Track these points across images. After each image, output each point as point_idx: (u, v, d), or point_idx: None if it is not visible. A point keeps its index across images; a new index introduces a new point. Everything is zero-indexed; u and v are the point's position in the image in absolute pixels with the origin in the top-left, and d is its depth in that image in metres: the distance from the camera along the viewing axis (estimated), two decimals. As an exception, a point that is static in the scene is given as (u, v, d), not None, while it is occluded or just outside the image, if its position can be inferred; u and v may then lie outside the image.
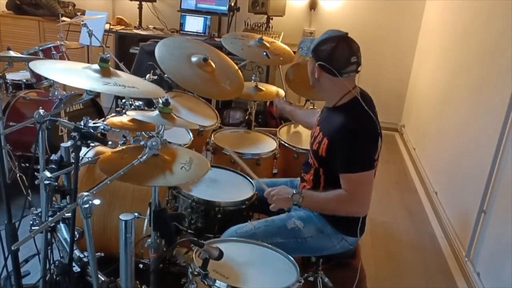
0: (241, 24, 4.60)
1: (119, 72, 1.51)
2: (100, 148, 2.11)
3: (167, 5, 4.92)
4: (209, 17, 4.60)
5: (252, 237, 1.67)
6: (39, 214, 1.63)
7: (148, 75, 2.28)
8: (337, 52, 1.66)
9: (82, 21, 3.41)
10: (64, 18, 3.67)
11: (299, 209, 1.88)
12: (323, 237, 1.78)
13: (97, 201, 1.20)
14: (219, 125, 2.69)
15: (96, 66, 1.43)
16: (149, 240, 1.53)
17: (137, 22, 4.74)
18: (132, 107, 2.12)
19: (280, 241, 1.70)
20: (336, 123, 1.69)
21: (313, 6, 4.73)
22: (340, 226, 1.78)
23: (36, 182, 1.56)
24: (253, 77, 2.89)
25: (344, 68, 1.66)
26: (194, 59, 2.22)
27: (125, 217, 1.31)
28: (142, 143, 1.68)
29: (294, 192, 1.71)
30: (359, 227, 1.82)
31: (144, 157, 1.34)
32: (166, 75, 2.23)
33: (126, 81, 1.44)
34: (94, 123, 1.76)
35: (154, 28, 4.78)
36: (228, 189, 1.97)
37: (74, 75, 1.40)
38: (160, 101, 1.52)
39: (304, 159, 1.98)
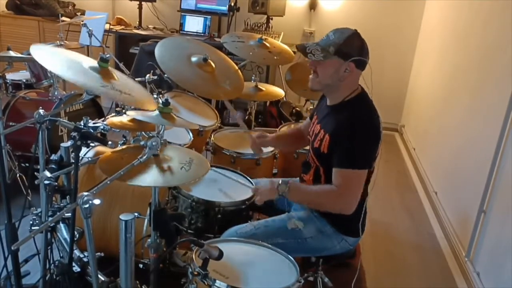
0: (241, 24, 4.60)
1: (117, 73, 1.50)
2: (100, 148, 2.11)
3: (167, 5, 4.92)
4: (209, 17, 4.60)
5: (252, 238, 1.67)
6: (39, 214, 1.62)
7: (148, 75, 2.28)
8: (365, 46, 1.71)
9: (82, 21, 3.41)
10: (64, 18, 3.67)
11: (299, 209, 1.88)
12: (323, 237, 1.78)
13: (97, 201, 1.20)
14: (219, 125, 2.69)
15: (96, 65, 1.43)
16: (149, 240, 1.52)
17: (137, 22, 4.74)
18: (132, 107, 2.11)
19: (280, 242, 1.70)
20: (341, 119, 1.68)
21: (313, 6, 4.73)
22: (340, 226, 1.78)
23: (36, 182, 1.56)
24: (253, 77, 2.89)
25: (367, 62, 1.71)
26: (194, 59, 2.22)
27: (125, 217, 1.31)
28: (142, 143, 1.68)
29: (280, 182, 1.70)
30: (359, 228, 1.82)
31: (144, 157, 1.34)
32: (166, 75, 2.23)
33: (123, 86, 1.43)
34: (94, 123, 1.76)
35: (154, 28, 4.78)
36: (228, 189, 1.97)
37: (76, 73, 1.39)
38: (160, 101, 1.52)
39: (304, 159, 1.98)
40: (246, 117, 2.93)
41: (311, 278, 2.10)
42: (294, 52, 2.80)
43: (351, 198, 1.66)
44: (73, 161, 1.60)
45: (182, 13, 4.64)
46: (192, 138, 2.37)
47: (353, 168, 1.64)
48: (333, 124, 1.71)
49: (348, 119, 1.67)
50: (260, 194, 1.73)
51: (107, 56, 1.43)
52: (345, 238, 1.79)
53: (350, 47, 1.68)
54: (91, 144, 1.93)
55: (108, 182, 1.27)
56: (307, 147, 2.39)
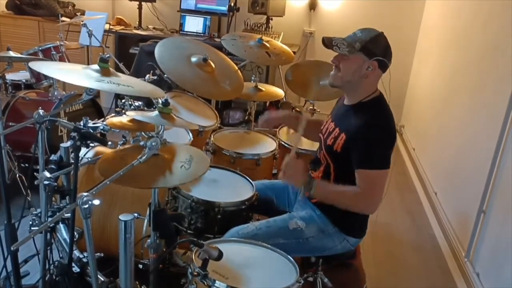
0: (241, 24, 4.61)
1: (119, 74, 1.51)
2: (100, 148, 2.11)
3: (167, 5, 4.92)
4: (208, 17, 4.60)
5: (254, 238, 1.66)
6: (39, 214, 1.62)
7: (147, 75, 2.28)
8: (389, 49, 1.74)
9: (82, 21, 3.42)
10: (63, 18, 3.67)
11: (300, 209, 1.87)
12: (324, 237, 1.78)
13: (96, 202, 1.20)
14: (218, 125, 2.69)
15: (95, 67, 1.43)
16: (149, 240, 1.52)
17: (137, 22, 4.75)
18: (132, 107, 2.12)
19: (281, 242, 1.70)
20: (359, 120, 1.69)
21: (312, 6, 4.73)
22: (343, 226, 1.78)
23: (35, 183, 1.56)
24: (252, 78, 2.89)
25: (389, 65, 1.74)
26: (193, 59, 2.22)
27: (124, 217, 1.31)
28: (141, 143, 1.68)
29: (310, 178, 1.68)
30: (362, 228, 1.82)
31: (144, 158, 1.34)
32: (165, 75, 2.23)
33: (122, 80, 1.43)
34: (93, 123, 1.76)
35: (154, 28, 4.78)
36: (228, 189, 1.97)
37: (72, 73, 1.39)
38: (160, 101, 1.52)
39: (304, 159, 1.97)
40: (246, 117, 2.93)
41: (311, 279, 2.11)
42: (294, 53, 2.81)
43: (375, 198, 1.66)
44: (73, 161, 1.59)
45: (182, 13, 4.64)
46: (192, 139, 2.37)
47: (374, 169, 1.65)
48: (351, 124, 1.71)
49: (367, 121, 1.67)
50: (288, 176, 1.68)
51: (106, 56, 1.43)
52: (347, 238, 1.79)
53: (376, 46, 1.69)
54: (91, 145, 1.93)
55: (108, 182, 1.27)
56: (308, 148, 2.40)
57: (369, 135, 1.65)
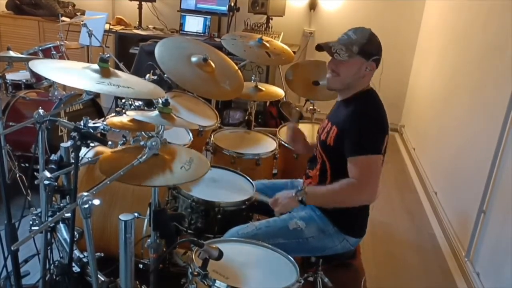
0: (241, 24, 4.60)
1: (119, 72, 1.51)
2: (100, 148, 2.11)
3: (167, 5, 4.92)
4: (209, 17, 4.60)
5: (254, 238, 1.66)
6: (39, 214, 1.62)
7: (148, 75, 2.28)
8: (380, 44, 1.73)
9: (82, 21, 3.41)
10: (64, 18, 3.67)
11: (300, 209, 1.87)
12: (324, 237, 1.78)
13: (96, 201, 1.20)
14: (218, 125, 2.69)
15: (95, 66, 1.43)
16: (149, 240, 1.52)
17: (137, 22, 4.74)
18: (132, 107, 2.12)
19: (281, 242, 1.70)
20: (349, 111, 1.71)
21: (313, 6, 4.73)
22: (343, 226, 1.78)
23: (35, 182, 1.56)
24: (252, 77, 2.89)
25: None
26: (194, 59, 2.22)
27: (124, 217, 1.31)
28: (142, 143, 1.68)
29: (295, 191, 1.68)
30: (361, 228, 1.82)
31: (144, 157, 1.34)
32: (166, 75, 2.23)
33: (122, 81, 1.43)
34: (94, 123, 1.76)
35: (154, 28, 4.78)
36: (228, 189, 1.97)
37: (71, 74, 1.40)
38: (160, 101, 1.52)
39: (304, 159, 1.98)
40: (246, 117, 2.93)
41: (311, 278, 2.11)
42: (294, 52, 2.80)
43: (371, 186, 1.64)
44: (73, 161, 1.60)
45: (182, 13, 4.64)
46: (192, 139, 2.37)
47: (366, 154, 1.63)
48: (341, 117, 1.73)
49: (355, 110, 1.70)
50: (280, 206, 1.72)
51: (106, 56, 1.43)
52: (346, 238, 1.79)
53: (372, 47, 1.70)
54: (91, 144, 1.92)
55: (108, 182, 1.27)
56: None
57: (358, 121, 1.67)
